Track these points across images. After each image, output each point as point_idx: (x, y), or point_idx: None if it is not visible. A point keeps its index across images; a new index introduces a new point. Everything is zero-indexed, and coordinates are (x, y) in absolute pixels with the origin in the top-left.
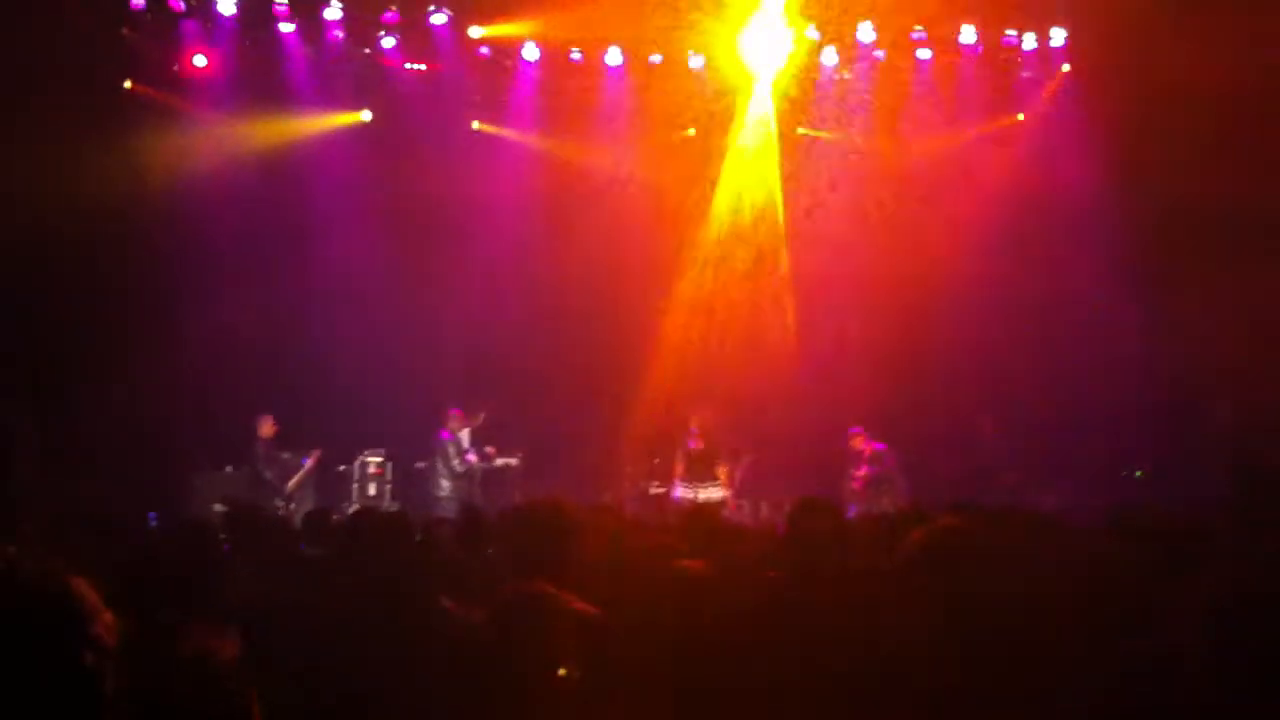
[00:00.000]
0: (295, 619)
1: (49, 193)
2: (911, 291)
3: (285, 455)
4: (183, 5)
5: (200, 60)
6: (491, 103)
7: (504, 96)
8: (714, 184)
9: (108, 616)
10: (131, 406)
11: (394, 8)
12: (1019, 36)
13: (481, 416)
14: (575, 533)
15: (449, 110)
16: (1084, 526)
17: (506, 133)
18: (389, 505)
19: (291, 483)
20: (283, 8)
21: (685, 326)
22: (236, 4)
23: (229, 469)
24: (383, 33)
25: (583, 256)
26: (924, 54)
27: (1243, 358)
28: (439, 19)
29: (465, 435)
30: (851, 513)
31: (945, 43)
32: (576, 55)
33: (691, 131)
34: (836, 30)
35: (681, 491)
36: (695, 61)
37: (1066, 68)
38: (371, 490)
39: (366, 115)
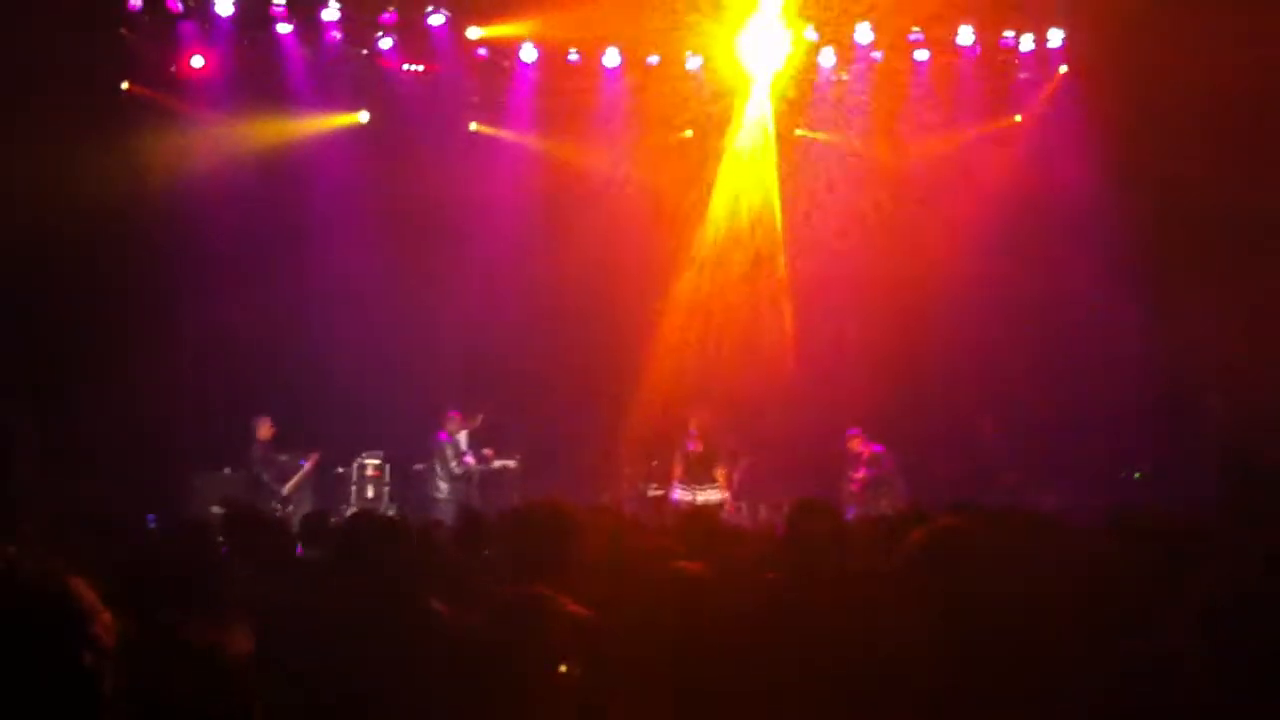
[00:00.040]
0: (293, 620)
1: (49, 193)
2: (909, 292)
3: (283, 457)
4: (180, 6)
5: (198, 61)
6: (489, 103)
7: (502, 97)
8: (711, 185)
9: (107, 616)
10: (131, 406)
11: (392, 8)
12: (1017, 38)
13: (479, 418)
14: (574, 534)
15: (447, 111)
16: (1084, 527)
17: (504, 134)
18: (387, 507)
19: (289, 485)
20: (280, 9)
21: (683, 328)
22: (234, 5)
23: (227, 470)
24: (380, 33)
25: (581, 258)
26: (921, 55)
27: (1241, 357)
28: (437, 20)
29: (463, 437)
30: (850, 514)
31: (943, 44)
32: (574, 56)
33: (689, 133)
34: (834, 31)
35: (680, 493)
36: (693, 63)
37: (1064, 69)
38: (370, 492)
39: (364, 116)
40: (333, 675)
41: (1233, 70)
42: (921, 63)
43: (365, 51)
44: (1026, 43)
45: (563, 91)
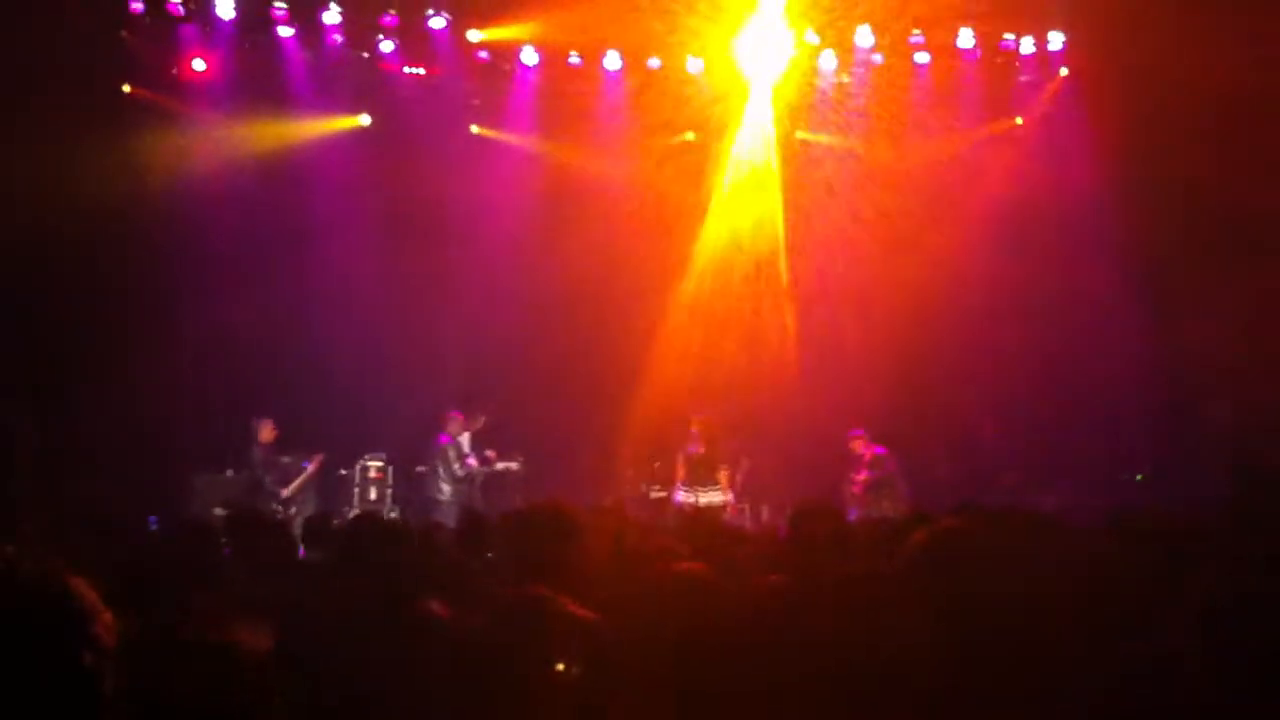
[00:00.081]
0: (295, 622)
1: (49, 194)
2: (911, 294)
3: (286, 459)
4: (182, 9)
5: (199, 64)
6: (490, 106)
7: (502, 100)
8: (713, 188)
9: (108, 616)
10: (131, 407)
11: (392, 11)
12: (1017, 40)
13: (482, 420)
14: (576, 536)
15: (448, 114)
16: (1084, 527)
17: (505, 136)
18: (390, 509)
19: (291, 487)
20: (281, 12)
21: (685, 330)
22: (235, 8)
23: (230, 472)
24: (381, 36)
25: (582, 260)
26: (922, 58)
27: (1243, 358)
28: (437, 23)
29: (466, 439)
30: (852, 516)
31: (943, 47)
32: (575, 59)
33: (690, 136)
34: (835, 35)
35: (682, 495)
36: (694, 66)
37: (1065, 71)
38: (372, 494)
39: (365, 119)
40: (334, 677)
41: (1234, 71)
42: (922, 65)
43: (366, 54)
44: (1027, 45)
45: (563, 94)
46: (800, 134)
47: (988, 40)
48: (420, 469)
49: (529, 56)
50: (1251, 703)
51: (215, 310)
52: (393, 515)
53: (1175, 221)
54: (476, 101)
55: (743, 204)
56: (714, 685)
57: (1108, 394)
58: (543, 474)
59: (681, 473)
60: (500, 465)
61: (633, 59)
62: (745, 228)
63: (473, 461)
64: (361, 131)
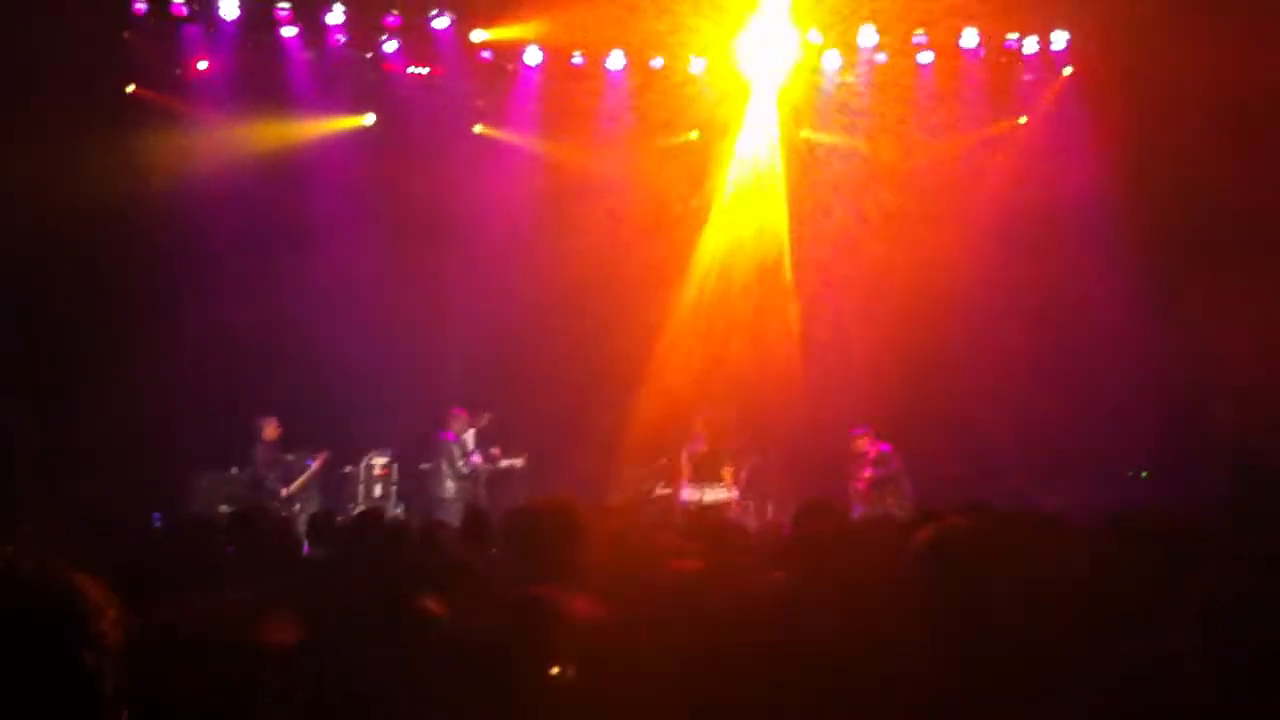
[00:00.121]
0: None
1: (51, 194)
2: (915, 293)
3: (289, 457)
4: (185, 10)
5: (202, 64)
6: (493, 106)
7: (506, 100)
8: (717, 188)
9: (113, 612)
10: (132, 406)
11: (396, 11)
12: (1020, 40)
13: (486, 418)
14: (580, 534)
15: (451, 114)
16: (1085, 527)
17: (508, 136)
18: (394, 507)
19: (294, 485)
20: (284, 12)
21: (690, 328)
22: (239, 8)
23: (234, 470)
24: (384, 37)
25: (586, 259)
26: (926, 58)
27: (1246, 359)
28: (441, 23)
29: (470, 437)
30: (856, 514)
31: (947, 46)
32: (578, 59)
33: (694, 135)
34: (838, 34)
35: (687, 493)
36: (697, 66)
37: (1069, 70)
38: (377, 492)
39: (369, 119)
40: (335, 675)
41: (1238, 70)
42: (926, 65)
43: (369, 55)
44: (1031, 45)
45: (567, 94)
46: (805, 134)
47: (991, 40)
48: (424, 466)
49: (532, 56)
50: (1251, 703)
51: (218, 310)
52: (397, 512)
53: (1179, 221)
54: (479, 101)
55: (747, 203)
56: (718, 682)
57: (1112, 394)
58: (547, 471)
59: (686, 470)
60: (505, 463)
61: (636, 59)
62: (749, 226)
63: (477, 459)
64: (364, 131)
